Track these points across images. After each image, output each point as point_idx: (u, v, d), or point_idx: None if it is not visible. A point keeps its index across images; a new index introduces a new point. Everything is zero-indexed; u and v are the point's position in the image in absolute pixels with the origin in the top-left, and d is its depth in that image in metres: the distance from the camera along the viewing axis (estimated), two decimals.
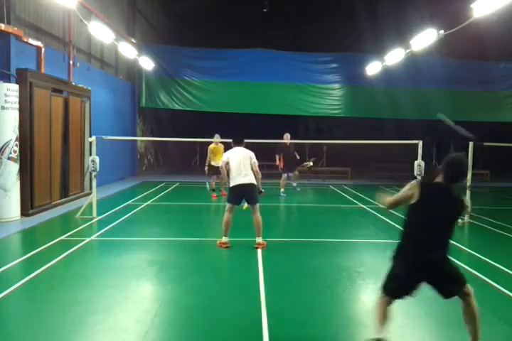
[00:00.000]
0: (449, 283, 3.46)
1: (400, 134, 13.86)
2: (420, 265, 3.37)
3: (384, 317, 3.45)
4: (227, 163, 6.79)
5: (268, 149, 14.35)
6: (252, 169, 6.76)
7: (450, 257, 3.49)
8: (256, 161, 6.85)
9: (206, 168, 11.83)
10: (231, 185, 6.76)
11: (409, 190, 3.43)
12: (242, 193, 6.71)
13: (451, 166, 3.41)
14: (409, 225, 3.48)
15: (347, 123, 23.75)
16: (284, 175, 13.09)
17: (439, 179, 3.43)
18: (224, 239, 6.74)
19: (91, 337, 3.78)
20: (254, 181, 6.72)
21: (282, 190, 12.85)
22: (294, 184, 13.73)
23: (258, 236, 6.75)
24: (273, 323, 4.00)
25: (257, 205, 6.77)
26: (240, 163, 6.70)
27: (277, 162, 13.23)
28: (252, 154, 6.88)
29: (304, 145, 19.99)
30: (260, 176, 6.89)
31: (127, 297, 4.68)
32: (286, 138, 12.79)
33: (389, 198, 3.61)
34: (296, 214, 11.16)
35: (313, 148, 20.60)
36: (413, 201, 3.40)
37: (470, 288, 3.46)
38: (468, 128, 3.69)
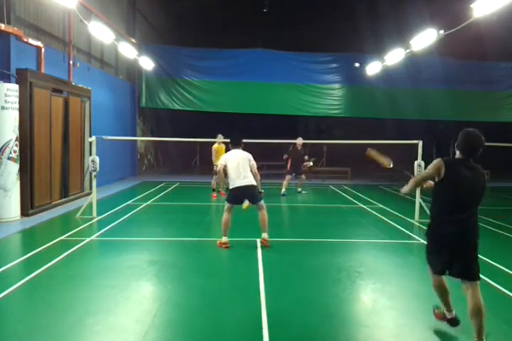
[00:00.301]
0: (463, 268, 3.57)
1: (400, 134, 13.85)
2: (450, 226, 3.50)
3: (444, 294, 3.77)
4: (225, 166, 6.81)
5: (268, 149, 14.34)
6: (251, 171, 6.79)
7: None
8: (254, 163, 6.89)
9: (215, 168, 11.88)
10: (231, 187, 6.77)
11: (435, 167, 3.55)
12: (243, 195, 6.73)
13: (464, 140, 3.54)
14: (439, 200, 3.62)
15: (347, 123, 23.74)
16: (288, 177, 13.15)
17: (457, 156, 3.59)
18: (224, 239, 6.75)
19: (91, 337, 3.78)
20: (253, 182, 6.73)
21: (283, 190, 12.88)
22: (299, 189, 13.68)
23: (264, 232, 6.80)
24: (273, 323, 4.00)
25: (261, 202, 6.82)
26: (238, 165, 6.72)
27: (285, 157, 13.40)
28: (250, 156, 6.91)
29: (304, 146, 19.96)
30: (259, 178, 6.91)
31: (127, 297, 4.68)
32: (299, 142, 13.01)
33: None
34: (296, 214, 11.15)
35: (313, 148, 20.56)
36: (440, 177, 3.53)
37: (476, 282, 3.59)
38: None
